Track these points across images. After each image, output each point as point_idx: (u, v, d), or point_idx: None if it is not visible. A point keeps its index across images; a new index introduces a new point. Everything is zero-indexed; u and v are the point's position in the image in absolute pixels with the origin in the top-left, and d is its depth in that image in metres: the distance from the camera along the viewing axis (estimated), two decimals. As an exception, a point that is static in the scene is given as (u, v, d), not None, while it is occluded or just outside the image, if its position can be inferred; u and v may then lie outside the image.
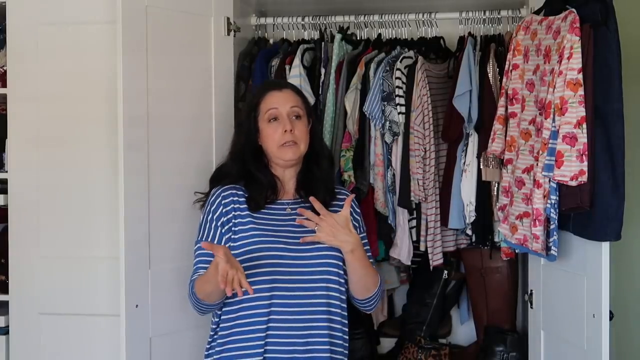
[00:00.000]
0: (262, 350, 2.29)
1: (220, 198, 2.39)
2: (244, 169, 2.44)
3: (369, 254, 2.48)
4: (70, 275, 2.83)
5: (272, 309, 2.30)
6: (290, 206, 2.42)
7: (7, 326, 2.93)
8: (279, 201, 2.42)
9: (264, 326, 2.30)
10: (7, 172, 2.91)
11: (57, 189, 2.84)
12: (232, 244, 2.34)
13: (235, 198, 2.39)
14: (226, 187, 2.42)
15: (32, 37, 2.84)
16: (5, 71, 2.93)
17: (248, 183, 2.42)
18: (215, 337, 2.38)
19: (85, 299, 2.83)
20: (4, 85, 2.93)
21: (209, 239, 2.36)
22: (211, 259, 2.26)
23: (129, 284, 2.56)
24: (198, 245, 2.38)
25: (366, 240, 2.51)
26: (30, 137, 2.85)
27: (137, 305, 2.59)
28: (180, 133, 2.79)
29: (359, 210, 2.53)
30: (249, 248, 2.32)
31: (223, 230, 2.36)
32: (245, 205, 2.38)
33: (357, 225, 2.46)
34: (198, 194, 2.56)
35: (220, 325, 2.37)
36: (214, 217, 2.38)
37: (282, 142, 2.38)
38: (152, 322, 2.66)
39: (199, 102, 2.88)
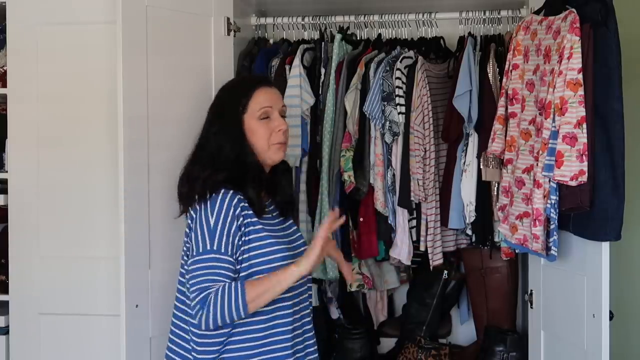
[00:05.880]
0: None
1: (236, 201, 2.19)
2: (240, 169, 2.26)
3: None
4: (70, 275, 2.83)
5: (277, 312, 2.26)
6: (270, 208, 2.34)
7: (7, 326, 2.93)
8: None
9: (290, 335, 2.26)
10: (7, 172, 2.91)
11: (57, 189, 2.85)
12: (244, 256, 2.20)
13: (244, 204, 2.21)
14: (233, 192, 2.21)
15: (32, 37, 2.84)
16: (5, 71, 2.93)
17: (245, 185, 2.24)
18: (224, 349, 2.22)
19: (85, 298, 2.83)
20: (4, 85, 2.93)
21: (229, 248, 2.16)
22: (229, 272, 2.13)
23: (129, 284, 2.55)
24: (214, 255, 2.15)
25: None
26: (30, 137, 2.85)
27: (137, 305, 2.59)
28: (180, 133, 2.77)
29: None
30: (270, 257, 2.21)
31: (238, 242, 2.19)
32: (251, 212, 2.22)
33: None
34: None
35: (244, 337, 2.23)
36: (231, 224, 2.18)
37: (276, 142, 2.30)
38: (152, 322, 2.66)
39: (199, 102, 2.85)
